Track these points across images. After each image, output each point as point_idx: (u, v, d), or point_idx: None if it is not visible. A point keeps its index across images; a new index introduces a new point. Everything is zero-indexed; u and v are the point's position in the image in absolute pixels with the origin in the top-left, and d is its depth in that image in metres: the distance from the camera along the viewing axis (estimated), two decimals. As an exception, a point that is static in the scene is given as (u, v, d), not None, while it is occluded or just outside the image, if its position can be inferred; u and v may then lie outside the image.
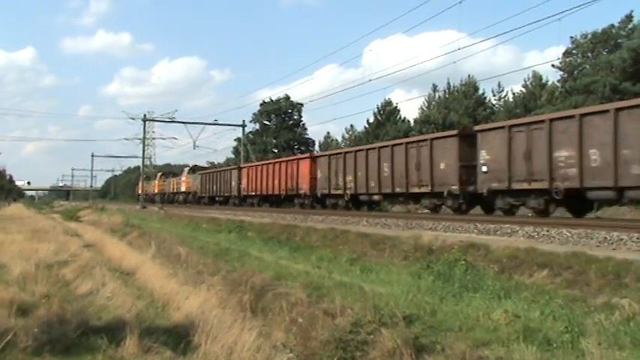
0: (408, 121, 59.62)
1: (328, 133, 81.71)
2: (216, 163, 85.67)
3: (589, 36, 46.93)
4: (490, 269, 10.72)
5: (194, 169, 62.46)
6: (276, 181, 35.79)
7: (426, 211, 24.01)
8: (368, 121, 62.40)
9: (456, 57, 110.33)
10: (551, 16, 30.99)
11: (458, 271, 10.22)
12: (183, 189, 62.27)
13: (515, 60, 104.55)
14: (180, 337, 6.48)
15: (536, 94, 52.71)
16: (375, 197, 26.87)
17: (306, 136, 76.53)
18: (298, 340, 6.24)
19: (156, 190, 70.37)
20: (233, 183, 44.57)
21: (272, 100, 74.64)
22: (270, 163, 39.42)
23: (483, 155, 19.83)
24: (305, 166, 32.62)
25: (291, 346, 6.19)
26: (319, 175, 31.09)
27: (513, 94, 57.04)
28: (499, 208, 20.09)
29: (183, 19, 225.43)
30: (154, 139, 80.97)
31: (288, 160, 35.77)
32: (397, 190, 24.35)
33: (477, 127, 21.71)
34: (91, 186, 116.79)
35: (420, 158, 22.88)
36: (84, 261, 13.40)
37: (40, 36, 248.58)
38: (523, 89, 55.09)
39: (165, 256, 13.56)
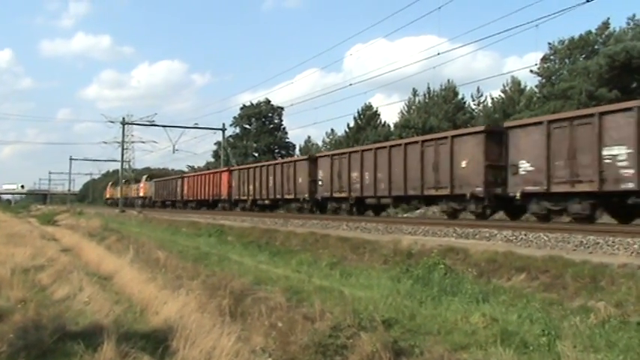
0: (388, 126, 59.93)
1: (309, 137, 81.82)
2: (196, 167, 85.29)
3: (566, 42, 47.64)
4: (469, 273, 10.80)
5: (150, 177, 69.37)
6: (211, 188, 40.65)
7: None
8: (348, 125, 62.66)
9: (436, 62, 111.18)
10: (528, 22, 31.40)
11: (437, 275, 10.29)
12: (141, 194, 68.67)
13: (495, 65, 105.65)
14: (158, 342, 6.43)
15: (514, 99, 53.32)
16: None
17: (286, 140, 76.54)
18: (277, 345, 6.22)
19: (119, 195, 73.36)
20: (178, 189, 51.04)
21: (252, 104, 74.57)
22: (214, 172, 45.63)
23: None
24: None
25: (270, 350, 6.17)
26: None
27: (492, 99, 57.70)
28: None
29: (164, 22, 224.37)
30: (133, 142, 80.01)
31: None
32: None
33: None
34: (69, 190, 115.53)
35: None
36: (61, 265, 13.26)
37: (17, 38, 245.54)
38: (502, 94, 55.72)
39: (144, 261, 13.44)
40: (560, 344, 5.88)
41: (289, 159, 41.43)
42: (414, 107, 62.76)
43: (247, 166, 41.57)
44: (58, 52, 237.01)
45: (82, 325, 7.70)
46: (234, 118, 75.14)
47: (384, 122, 61.52)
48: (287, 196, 33.03)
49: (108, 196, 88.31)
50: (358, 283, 10.70)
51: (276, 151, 74.71)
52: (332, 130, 71.12)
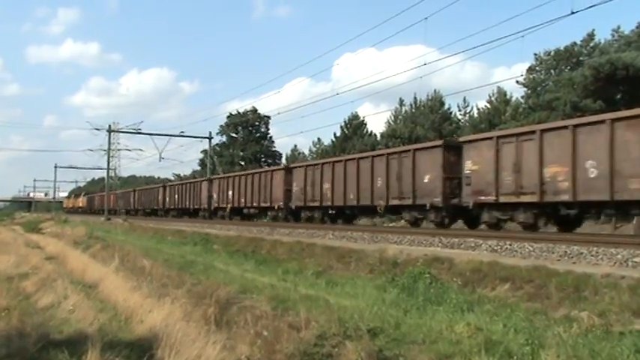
0: (375, 135, 60.12)
1: (295, 146, 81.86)
2: (182, 175, 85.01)
3: (552, 53, 48.09)
4: (454, 282, 10.85)
5: (87, 193, 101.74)
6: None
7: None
8: (335, 134, 62.76)
9: (424, 72, 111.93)
10: (514, 33, 31.72)
11: (422, 285, 10.33)
12: (80, 205, 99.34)
13: (482, 76, 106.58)
14: (143, 350, 6.40)
15: (500, 109, 53.69)
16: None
17: (273, 149, 76.56)
18: (263, 354, 6.22)
19: (71, 205, 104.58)
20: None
21: (239, 113, 74.58)
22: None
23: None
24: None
25: (255, 359, 6.17)
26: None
27: (478, 109, 58.05)
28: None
29: (154, 29, 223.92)
30: (119, 150, 79.91)
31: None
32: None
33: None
34: (54, 197, 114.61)
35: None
36: (45, 273, 13.17)
37: (5, 44, 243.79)
38: (488, 105, 56.10)
39: (130, 269, 13.38)
40: (543, 354, 5.92)
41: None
42: (400, 117, 63.03)
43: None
44: (46, 58, 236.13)
45: (67, 333, 7.65)
46: (221, 126, 75.18)
47: (371, 132, 61.75)
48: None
49: (65, 205, 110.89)
50: (344, 292, 10.71)
51: (263, 159, 74.69)
52: (319, 139, 71.23)
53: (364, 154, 27.37)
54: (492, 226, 19.28)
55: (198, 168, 77.59)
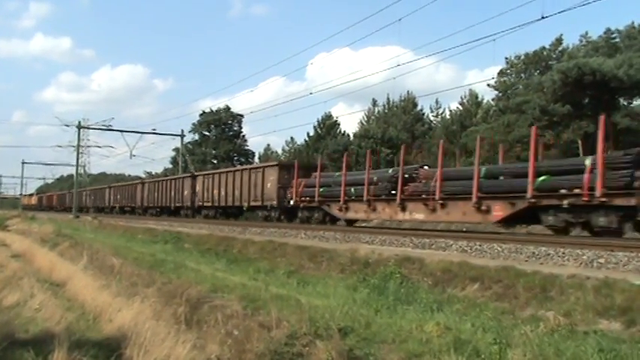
0: (348, 135, 60.29)
1: (268, 145, 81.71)
2: (153, 173, 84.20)
3: (522, 57, 48.77)
4: (424, 282, 10.97)
5: (38, 192, 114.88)
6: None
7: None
8: (308, 134, 62.78)
9: (398, 72, 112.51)
10: (486, 36, 32.12)
11: (393, 284, 10.41)
12: (34, 202, 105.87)
13: (456, 77, 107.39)
14: (111, 350, 6.34)
15: (472, 111, 54.28)
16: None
17: (246, 148, 76.22)
18: (233, 353, 6.20)
19: (26, 202, 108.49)
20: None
21: (212, 111, 74.03)
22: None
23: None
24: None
25: (225, 358, 6.15)
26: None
27: (450, 111, 58.60)
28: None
29: (127, 26, 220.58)
30: (88, 147, 78.78)
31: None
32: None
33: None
34: (21, 194, 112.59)
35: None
36: (11, 271, 12.95)
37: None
38: (460, 107, 56.68)
39: (98, 267, 13.22)
40: (510, 353, 6.01)
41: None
42: (373, 117, 63.35)
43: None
44: (16, 52, 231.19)
45: (33, 332, 7.54)
46: (194, 124, 74.49)
47: (344, 132, 61.92)
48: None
49: (24, 202, 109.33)
50: (315, 292, 10.74)
51: (235, 158, 74.31)
52: (292, 138, 71.19)
53: (234, 169, 38.16)
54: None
55: (170, 166, 76.90)
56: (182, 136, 62.43)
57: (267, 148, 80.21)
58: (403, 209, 20.47)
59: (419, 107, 60.71)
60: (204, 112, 74.39)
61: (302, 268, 14.42)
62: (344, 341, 6.44)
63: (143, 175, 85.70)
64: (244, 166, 42.46)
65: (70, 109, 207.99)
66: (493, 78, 49.13)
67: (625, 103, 39.05)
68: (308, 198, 26.24)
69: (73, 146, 63.47)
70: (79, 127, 60.09)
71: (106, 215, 54.44)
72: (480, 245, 13.67)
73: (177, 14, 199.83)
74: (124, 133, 59.52)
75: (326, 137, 59.68)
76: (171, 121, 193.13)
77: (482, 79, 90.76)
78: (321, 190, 25.17)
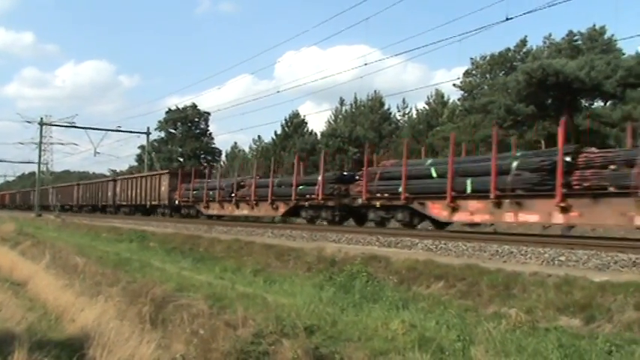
0: (315, 134, 60.34)
1: (235, 143, 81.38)
2: (118, 170, 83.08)
3: (487, 58, 49.47)
4: (390, 281, 11.05)
5: None
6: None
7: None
8: (276, 132, 62.65)
9: (365, 72, 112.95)
10: (451, 37, 32.45)
11: (359, 283, 10.48)
12: None
13: (424, 77, 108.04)
14: (73, 350, 6.25)
15: (438, 111, 54.84)
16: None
17: (212, 146, 75.71)
18: (198, 352, 6.17)
19: None
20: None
21: (178, 108, 73.28)
22: None
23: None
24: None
25: (190, 357, 6.12)
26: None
27: (417, 110, 59.11)
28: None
29: (92, 21, 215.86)
30: (51, 144, 77.40)
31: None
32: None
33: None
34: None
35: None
36: (-30, 271, 12.65)
37: None
38: (426, 106, 57.20)
39: (61, 266, 13.03)
40: (473, 349, 6.12)
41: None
42: (340, 116, 63.54)
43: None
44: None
45: (-8, 333, 7.37)
46: (159, 122, 73.65)
47: (312, 130, 61.96)
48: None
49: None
50: (282, 290, 10.74)
51: (202, 156, 73.76)
52: (259, 136, 71.00)
53: (141, 175, 46.43)
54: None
55: (135, 164, 75.97)
56: (148, 133, 61.79)
57: (235, 146, 79.96)
58: (237, 206, 29.30)
59: (386, 106, 61.16)
60: (170, 110, 73.61)
61: (269, 267, 14.41)
62: (310, 339, 6.46)
63: (108, 173, 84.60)
64: (147, 173, 48.85)
65: (32, 105, 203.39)
66: (459, 78, 49.85)
67: (586, 105, 39.91)
68: (186, 199, 35.02)
69: (35, 143, 62.42)
70: (42, 123, 59.06)
71: (72, 214, 53.52)
72: (445, 244, 13.82)
73: (144, 10, 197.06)
74: (88, 130, 58.75)
75: (293, 136, 59.64)
76: (137, 118, 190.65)
77: (449, 79, 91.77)
78: (194, 192, 33.70)
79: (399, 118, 62.35)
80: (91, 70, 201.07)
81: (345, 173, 25.80)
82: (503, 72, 47.51)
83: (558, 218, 14.54)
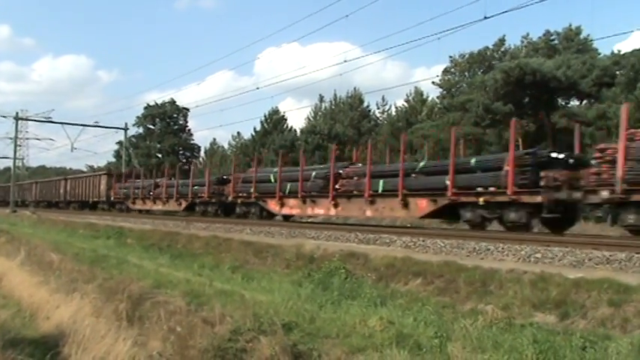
0: (295, 131, 60.25)
1: (214, 139, 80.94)
2: (96, 166, 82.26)
3: (466, 56, 49.78)
4: (368, 278, 11.08)
5: None
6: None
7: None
8: (255, 129, 62.46)
9: (345, 69, 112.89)
10: (431, 35, 32.65)
11: (337, 280, 10.49)
12: None
13: (404, 75, 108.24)
14: (48, 348, 6.19)
15: (417, 109, 55.05)
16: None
17: (191, 142, 75.25)
18: (175, 349, 6.14)
19: None
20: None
21: (157, 104, 72.69)
22: None
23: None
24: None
25: (167, 355, 6.08)
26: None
27: (396, 108, 59.30)
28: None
29: (70, 14, 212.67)
30: (27, 139, 76.29)
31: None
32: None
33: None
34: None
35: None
36: (-58, 268, 12.44)
37: None
38: (406, 104, 57.39)
39: (36, 263, 12.86)
40: (450, 346, 6.15)
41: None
42: (320, 113, 63.52)
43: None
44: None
45: (-35, 331, 7.26)
46: (138, 117, 72.98)
47: (291, 127, 61.86)
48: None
49: None
50: (260, 287, 10.72)
51: (181, 152, 73.29)
52: (238, 133, 70.76)
53: (85, 175, 55.35)
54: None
55: (113, 160, 75.25)
56: (126, 129, 61.27)
57: (214, 142, 79.56)
58: (154, 202, 36.47)
59: (365, 104, 61.27)
60: (148, 106, 73.01)
61: (247, 264, 14.37)
62: (288, 336, 6.45)
63: (85, 169, 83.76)
64: (90, 173, 57.32)
65: (9, 99, 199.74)
66: (438, 76, 50.08)
67: (563, 103, 40.35)
68: (118, 196, 42.36)
69: (11, 138, 61.47)
70: (17, 118, 58.18)
71: (45, 210, 52.96)
72: (423, 241, 13.88)
73: (124, 4, 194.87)
74: (65, 125, 58.03)
75: (273, 132, 59.51)
76: (116, 113, 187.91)
77: (428, 77, 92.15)
78: (124, 191, 41.19)
79: (378, 115, 62.52)
80: (69, 64, 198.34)
81: (224, 177, 31.66)
82: (481, 70, 47.86)
83: (332, 211, 22.34)
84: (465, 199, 16.60)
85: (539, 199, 14.74)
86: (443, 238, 13.92)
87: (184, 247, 18.29)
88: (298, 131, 59.63)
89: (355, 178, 21.12)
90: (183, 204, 32.79)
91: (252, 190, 26.12)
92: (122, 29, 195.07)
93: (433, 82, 51.00)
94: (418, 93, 56.55)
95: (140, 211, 38.04)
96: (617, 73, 36.50)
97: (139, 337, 6.46)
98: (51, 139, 79.70)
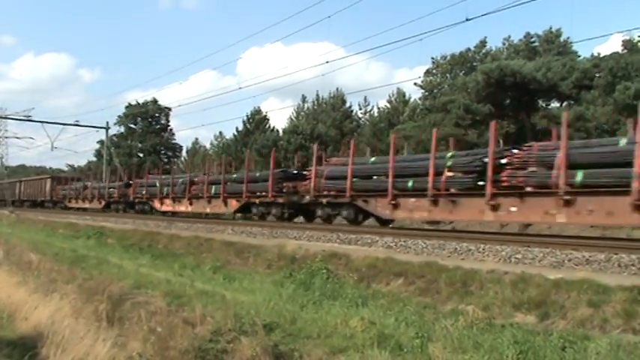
0: (277, 131, 60.15)
1: (196, 139, 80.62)
2: (76, 166, 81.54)
3: (448, 57, 50.04)
4: (350, 278, 11.08)
5: None
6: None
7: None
8: (237, 128, 62.26)
9: (327, 69, 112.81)
10: (413, 36, 32.79)
11: (319, 280, 10.48)
12: None
13: (387, 76, 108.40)
14: (26, 349, 6.11)
15: (399, 109, 55.23)
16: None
17: (173, 141, 74.82)
18: (156, 350, 6.09)
19: None
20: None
21: (139, 103, 72.16)
22: None
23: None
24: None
25: (147, 355, 6.03)
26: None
27: (378, 108, 59.45)
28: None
29: (52, 12, 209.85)
30: (7, 137, 75.47)
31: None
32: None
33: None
34: None
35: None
36: None
37: None
38: (388, 105, 57.56)
39: (15, 263, 12.72)
40: (431, 346, 6.19)
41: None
42: (302, 114, 63.48)
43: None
44: None
45: (-59, 332, 7.15)
46: (119, 116, 72.38)
47: (273, 127, 61.75)
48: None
49: None
50: (241, 288, 10.68)
51: (162, 152, 72.84)
52: (220, 132, 70.51)
53: (33, 178, 61.86)
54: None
55: (94, 159, 74.57)
56: (107, 128, 60.73)
57: (196, 142, 79.20)
58: (83, 201, 43.86)
59: (348, 104, 61.35)
60: (130, 105, 72.47)
61: (228, 264, 14.31)
62: (269, 337, 6.44)
63: (65, 168, 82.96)
64: (38, 177, 62.23)
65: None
66: (420, 77, 50.31)
67: (543, 105, 40.72)
68: (60, 196, 48.95)
69: (-10, 136, 60.82)
70: (-4, 117, 57.51)
71: (24, 210, 52.44)
72: (404, 241, 13.92)
73: (107, 3, 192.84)
74: (46, 124, 57.46)
75: (255, 132, 59.36)
76: (97, 112, 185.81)
77: (411, 78, 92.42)
78: (63, 192, 48.21)
79: (360, 116, 62.63)
80: (51, 62, 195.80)
81: (130, 181, 36.99)
82: (463, 72, 48.14)
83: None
84: (253, 200, 24.32)
85: (283, 200, 22.77)
86: (424, 238, 13.97)
87: (165, 247, 18.19)
88: (280, 131, 59.56)
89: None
90: (103, 202, 39.94)
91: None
92: (105, 28, 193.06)
93: (415, 84, 51.28)
94: (400, 94, 56.78)
95: (75, 208, 44.46)
96: (597, 75, 36.95)
97: (118, 337, 6.41)
98: (31, 138, 79.33)
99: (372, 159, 21.06)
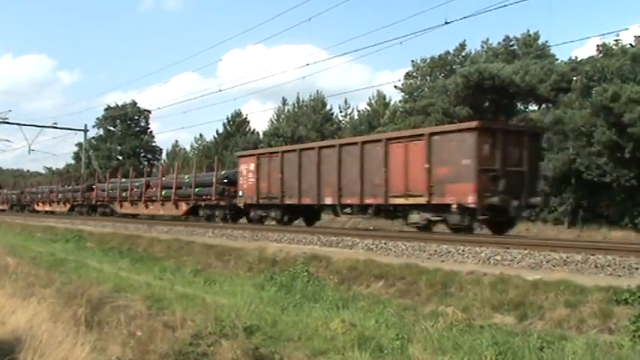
0: (258, 133, 59.97)
1: (176, 141, 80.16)
2: (54, 168, 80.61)
3: (428, 60, 50.28)
4: (331, 280, 11.11)
5: None
6: None
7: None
8: (217, 131, 62.00)
9: (309, 72, 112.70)
10: (393, 39, 32.97)
11: (300, 282, 10.51)
12: None
13: (368, 78, 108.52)
14: (3, 354, 6.03)
15: (379, 112, 55.40)
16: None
17: (153, 144, 74.25)
18: (135, 354, 6.07)
19: None
20: None
21: (118, 106, 71.47)
22: None
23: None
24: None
25: (127, 359, 6.00)
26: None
27: (359, 111, 59.59)
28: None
29: (31, 13, 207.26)
30: (-18, 140, 74.47)
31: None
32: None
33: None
34: None
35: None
36: None
37: None
38: (368, 107, 57.73)
39: (-9, 268, 12.54)
40: (412, 347, 6.23)
41: None
42: (283, 116, 63.41)
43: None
44: None
45: None
46: (98, 119, 71.57)
47: (254, 130, 61.56)
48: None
49: None
50: (222, 291, 10.66)
51: (142, 155, 72.25)
52: (201, 135, 70.14)
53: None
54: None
55: (73, 162, 73.74)
56: (85, 130, 60.19)
57: (176, 144, 78.72)
58: (50, 204, 45.54)
59: (328, 107, 61.41)
60: (109, 107, 71.72)
61: (209, 267, 14.27)
62: (250, 340, 6.44)
63: (43, 171, 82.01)
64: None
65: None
66: (400, 80, 50.44)
67: (522, 108, 41.07)
68: (27, 200, 50.91)
69: (-35, 140, 59.95)
70: (-28, 119, 56.61)
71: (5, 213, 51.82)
72: (385, 243, 13.94)
73: (88, 4, 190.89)
74: (23, 126, 56.71)
75: (235, 135, 59.13)
76: (77, 115, 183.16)
77: (392, 81, 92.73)
78: (32, 195, 49.96)
79: (341, 118, 62.69)
80: (29, 64, 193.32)
81: (92, 185, 39.91)
82: (443, 75, 48.36)
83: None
84: (200, 202, 26.64)
85: (224, 202, 25.04)
86: (405, 240, 14.00)
87: (145, 250, 18.07)
88: (261, 134, 59.39)
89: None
90: (68, 205, 42.09)
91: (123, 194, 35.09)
92: (85, 29, 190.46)
93: (395, 86, 51.37)
94: (381, 96, 56.96)
95: (43, 211, 45.91)
96: (574, 79, 37.35)
97: (97, 342, 6.36)
98: (8, 141, 78.17)
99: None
